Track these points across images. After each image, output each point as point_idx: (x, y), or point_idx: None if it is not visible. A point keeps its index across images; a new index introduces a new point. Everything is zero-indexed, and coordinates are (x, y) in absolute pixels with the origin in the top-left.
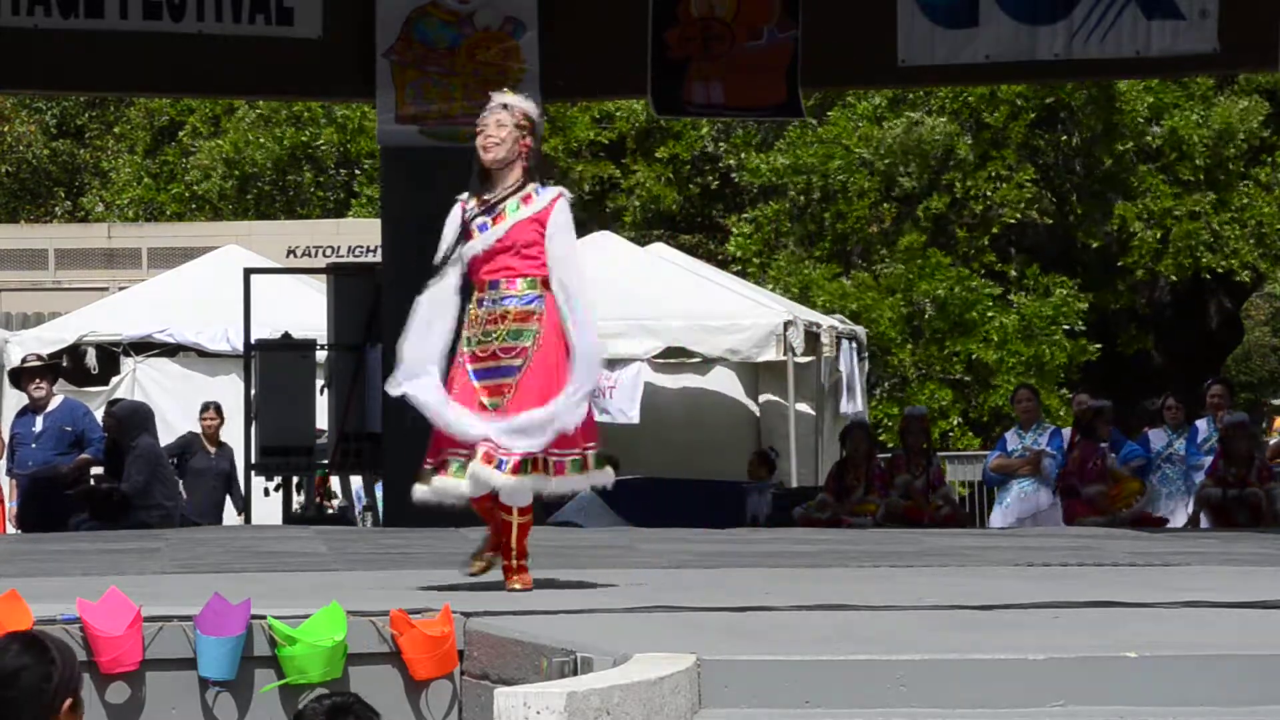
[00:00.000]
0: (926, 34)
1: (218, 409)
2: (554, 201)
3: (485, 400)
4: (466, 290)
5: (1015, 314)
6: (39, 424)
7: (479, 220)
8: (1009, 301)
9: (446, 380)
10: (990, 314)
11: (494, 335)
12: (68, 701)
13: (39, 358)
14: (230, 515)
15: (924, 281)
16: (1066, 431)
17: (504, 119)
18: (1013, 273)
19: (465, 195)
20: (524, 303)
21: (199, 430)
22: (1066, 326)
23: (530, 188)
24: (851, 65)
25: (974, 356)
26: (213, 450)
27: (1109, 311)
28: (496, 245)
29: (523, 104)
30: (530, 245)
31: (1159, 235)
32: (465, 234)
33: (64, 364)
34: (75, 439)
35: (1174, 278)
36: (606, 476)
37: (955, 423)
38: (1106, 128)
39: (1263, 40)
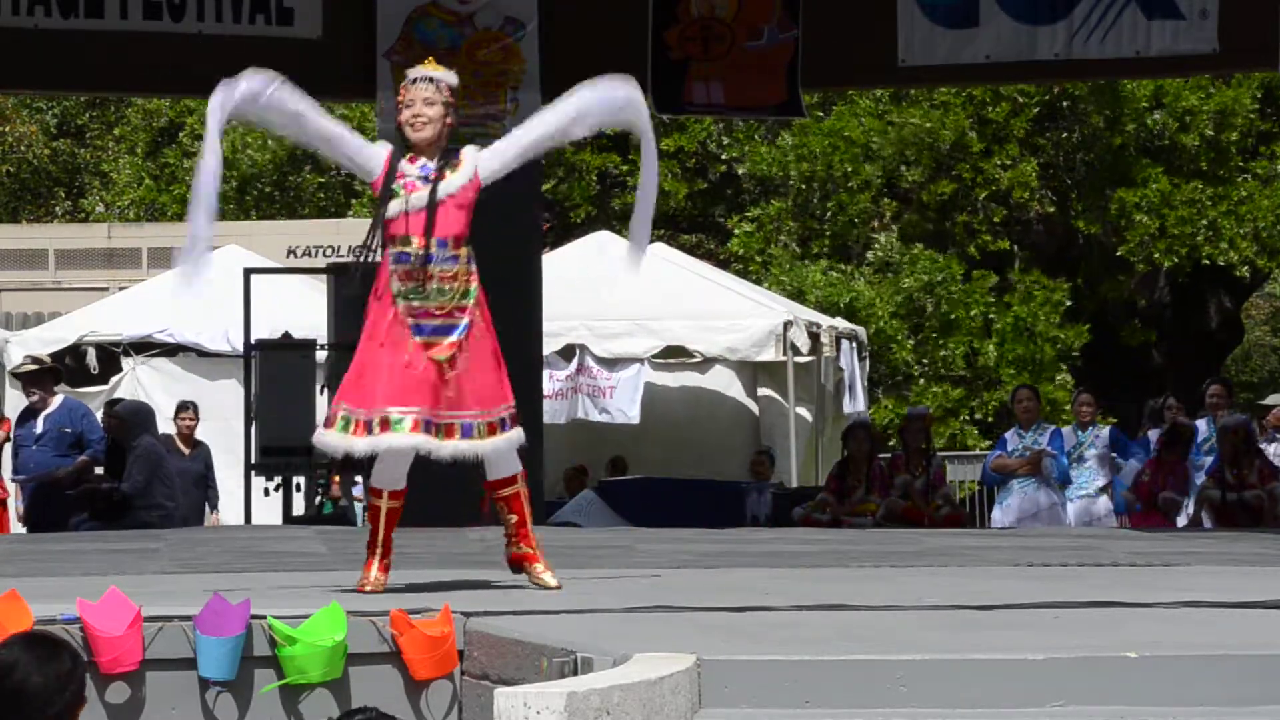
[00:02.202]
0: (927, 34)
1: (196, 409)
2: (476, 160)
3: (429, 356)
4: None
5: (1010, 315)
6: (39, 426)
7: (417, 176)
8: (1005, 305)
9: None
10: (986, 313)
11: (448, 293)
12: (85, 702)
13: (36, 360)
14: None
15: (909, 277)
16: (1067, 430)
17: (432, 96)
18: (1013, 275)
19: (390, 146)
20: (465, 263)
21: (173, 432)
22: (1056, 322)
23: (451, 154)
24: (851, 65)
25: (974, 350)
26: (187, 451)
27: (1107, 302)
28: (447, 199)
29: (449, 78)
30: (465, 207)
31: (1157, 225)
32: (390, 188)
33: (66, 362)
34: (75, 440)
35: (1168, 264)
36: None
37: (963, 421)
38: (1109, 121)
39: (1263, 40)
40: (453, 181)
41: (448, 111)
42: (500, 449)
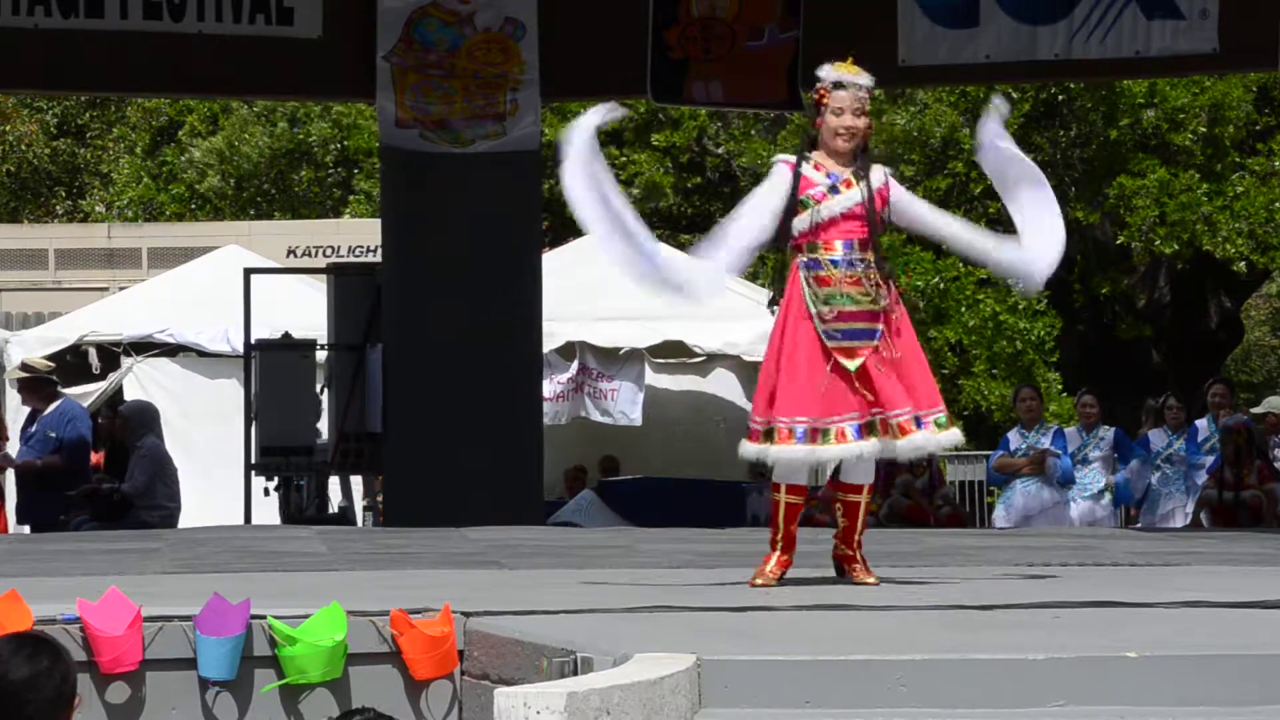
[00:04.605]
0: (927, 34)
1: None
2: (888, 179)
3: (844, 362)
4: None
5: (985, 309)
6: (34, 427)
7: (825, 185)
8: (976, 300)
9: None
10: (966, 303)
11: (861, 299)
12: (77, 700)
13: (27, 368)
14: None
15: (903, 275)
16: (1070, 430)
17: (862, 105)
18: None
19: (790, 158)
20: (875, 267)
21: None
22: (1032, 307)
23: (860, 163)
24: None
25: (956, 342)
26: None
27: (1103, 299)
28: (856, 209)
29: (870, 81)
30: (874, 216)
31: (1158, 212)
32: (797, 199)
33: (66, 360)
34: (58, 444)
35: (1168, 250)
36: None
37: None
38: (1105, 118)
39: (1263, 40)
40: (858, 193)
41: (870, 121)
42: (943, 443)
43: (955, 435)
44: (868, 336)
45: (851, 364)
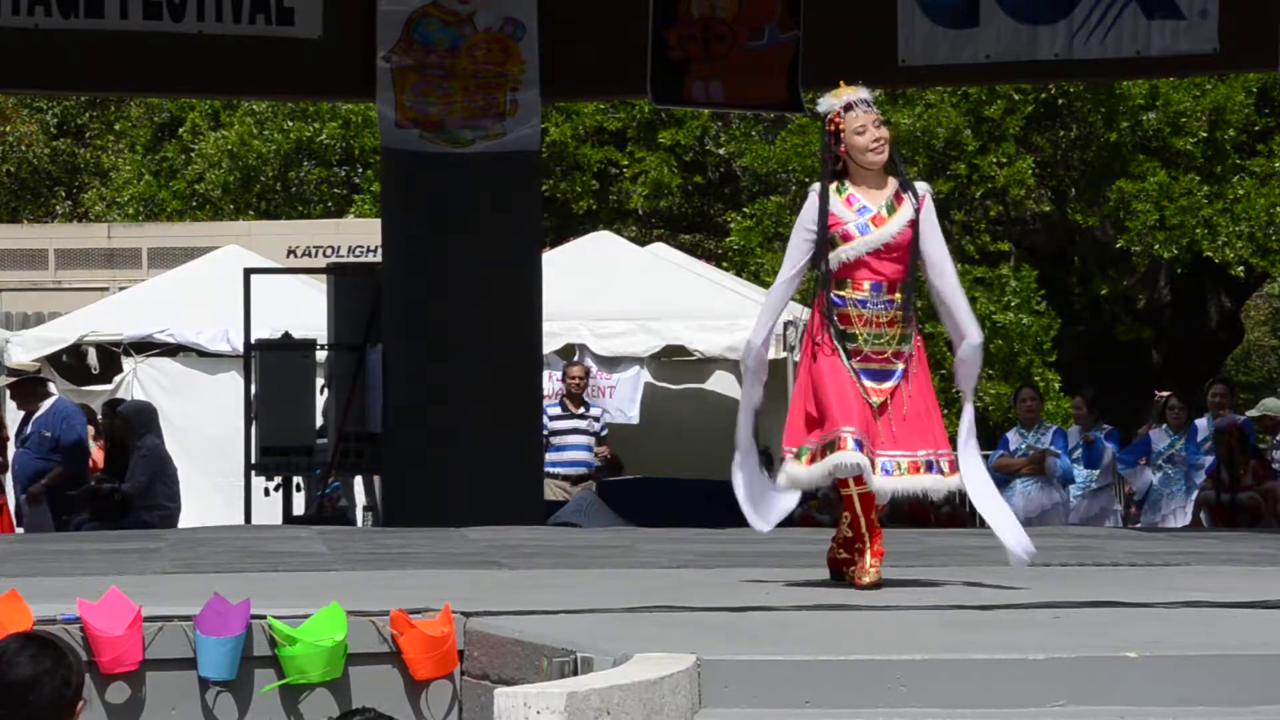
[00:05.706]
0: (927, 34)
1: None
2: (924, 199)
3: (873, 400)
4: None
5: (980, 308)
6: (29, 428)
7: (855, 222)
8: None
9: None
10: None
11: (887, 338)
12: (81, 702)
13: (15, 372)
14: None
15: None
16: (1073, 431)
17: (878, 118)
18: (980, 270)
19: (818, 187)
20: (901, 308)
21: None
22: (1030, 305)
23: (895, 186)
24: (852, 65)
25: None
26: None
27: (1103, 299)
28: (882, 249)
29: (870, 95)
30: (905, 249)
31: (1157, 216)
32: (828, 233)
33: (64, 360)
34: (54, 444)
35: (1167, 255)
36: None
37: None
38: (1105, 119)
39: (1263, 40)
40: (890, 227)
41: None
42: (951, 486)
43: (958, 481)
44: (884, 378)
45: (874, 400)
